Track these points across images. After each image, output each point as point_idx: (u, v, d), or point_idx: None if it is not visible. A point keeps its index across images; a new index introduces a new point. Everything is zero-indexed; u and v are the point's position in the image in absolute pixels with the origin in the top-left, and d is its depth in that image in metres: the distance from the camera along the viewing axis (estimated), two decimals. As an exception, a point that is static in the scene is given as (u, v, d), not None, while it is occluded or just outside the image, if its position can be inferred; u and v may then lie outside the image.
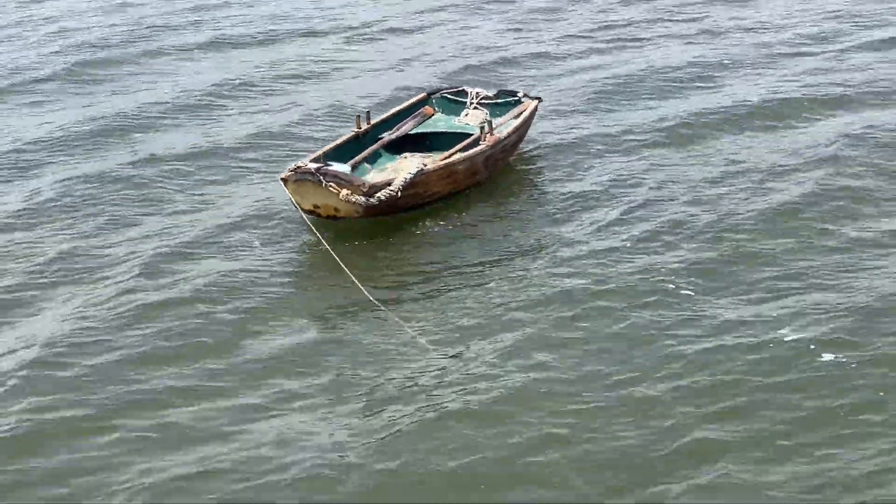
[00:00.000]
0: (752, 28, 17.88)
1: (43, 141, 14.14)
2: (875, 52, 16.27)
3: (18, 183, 12.99)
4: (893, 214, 11.12)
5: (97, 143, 14.10)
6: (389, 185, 11.14)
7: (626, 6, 19.32)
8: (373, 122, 12.89)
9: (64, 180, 12.83)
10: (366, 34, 18.58)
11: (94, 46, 18.24)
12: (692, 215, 11.29)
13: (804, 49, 16.65)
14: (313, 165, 11.12)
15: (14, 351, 9.20)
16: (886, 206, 11.34)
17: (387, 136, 12.80)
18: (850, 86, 14.86)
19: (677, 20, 18.50)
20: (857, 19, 17.95)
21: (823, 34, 17.28)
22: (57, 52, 18.10)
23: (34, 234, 11.52)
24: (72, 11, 20.79)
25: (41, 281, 10.47)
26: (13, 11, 21.05)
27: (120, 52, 17.98)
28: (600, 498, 7.26)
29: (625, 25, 18.26)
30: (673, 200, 11.67)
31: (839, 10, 18.46)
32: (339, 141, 12.44)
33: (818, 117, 13.93)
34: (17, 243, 11.33)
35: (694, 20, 18.40)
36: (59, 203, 12.21)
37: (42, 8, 21.03)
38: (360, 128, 12.68)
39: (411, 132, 13.02)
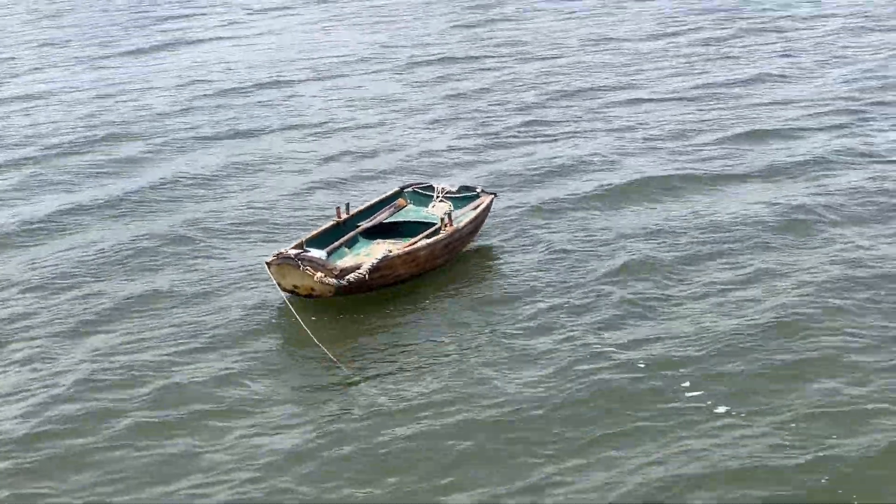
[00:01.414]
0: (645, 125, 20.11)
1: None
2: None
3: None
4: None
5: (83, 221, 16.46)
6: (358, 268, 13.13)
7: (566, 104, 21.70)
8: (352, 212, 14.91)
9: (64, 251, 15.22)
10: (346, 131, 20.87)
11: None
12: (637, 297, 12.90)
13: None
14: (293, 251, 13.12)
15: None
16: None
17: (364, 225, 14.82)
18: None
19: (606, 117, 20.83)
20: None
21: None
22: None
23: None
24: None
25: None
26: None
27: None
28: None
29: (563, 120, 20.62)
30: (613, 283, 13.33)
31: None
32: (320, 229, 14.42)
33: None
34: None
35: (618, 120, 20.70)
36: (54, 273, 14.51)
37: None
38: (340, 217, 14.67)
39: (386, 221, 15.06)
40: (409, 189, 15.71)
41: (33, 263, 14.95)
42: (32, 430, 10.74)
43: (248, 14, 34.58)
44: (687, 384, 10.96)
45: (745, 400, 10.64)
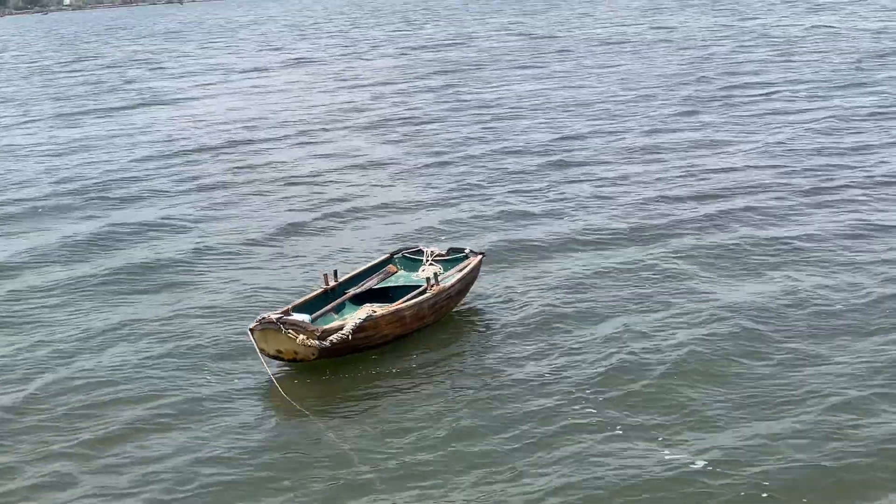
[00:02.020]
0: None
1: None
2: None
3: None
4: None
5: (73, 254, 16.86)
6: (341, 329, 13.07)
7: (558, 174, 21.90)
8: (341, 279, 14.85)
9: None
10: (323, 191, 21.38)
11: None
12: (628, 356, 12.66)
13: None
14: (275, 315, 13.10)
15: None
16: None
17: (352, 291, 14.80)
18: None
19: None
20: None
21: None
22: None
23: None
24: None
25: None
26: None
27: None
28: None
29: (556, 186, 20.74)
30: (606, 344, 13.09)
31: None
32: (308, 296, 14.35)
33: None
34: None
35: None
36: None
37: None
38: (328, 284, 14.62)
39: (375, 287, 15.02)
40: (399, 255, 15.69)
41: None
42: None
43: (228, 75, 35.93)
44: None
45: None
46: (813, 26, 46.11)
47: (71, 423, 11.97)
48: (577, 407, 11.54)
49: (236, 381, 12.88)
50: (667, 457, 10.36)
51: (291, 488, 10.37)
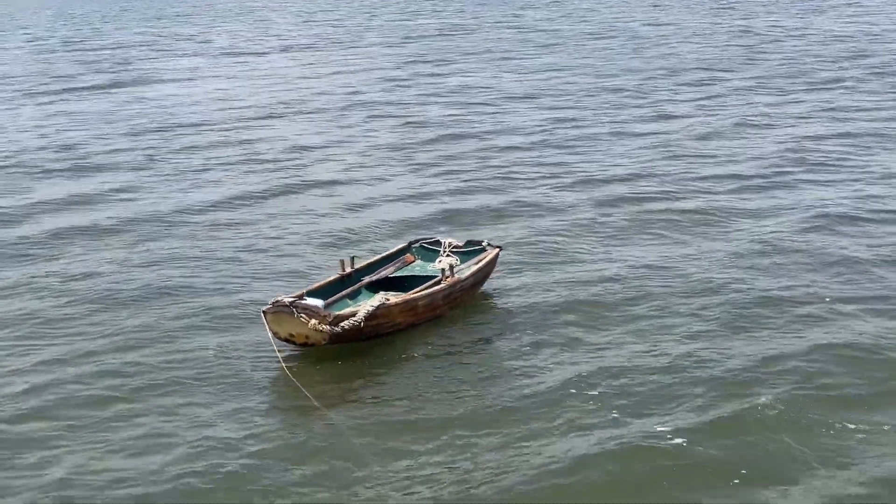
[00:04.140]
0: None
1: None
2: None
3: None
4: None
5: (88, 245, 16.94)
6: (353, 315, 13.11)
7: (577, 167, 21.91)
8: (358, 265, 14.89)
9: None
10: (344, 182, 21.46)
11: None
12: (637, 360, 12.56)
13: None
14: (289, 299, 13.17)
15: None
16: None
17: (368, 279, 14.84)
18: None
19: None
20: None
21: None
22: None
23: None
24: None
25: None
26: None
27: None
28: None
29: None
30: (609, 343, 13.10)
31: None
32: (323, 281, 14.41)
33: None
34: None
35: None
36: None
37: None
38: (345, 270, 14.65)
39: (391, 276, 15.06)
40: (417, 244, 15.72)
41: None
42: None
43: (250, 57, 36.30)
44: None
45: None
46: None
47: (74, 396, 12.09)
48: (588, 403, 11.52)
49: (246, 363, 12.93)
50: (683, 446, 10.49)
51: (293, 472, 10.41)
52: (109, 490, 10.13)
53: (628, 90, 30.56)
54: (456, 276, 14.18)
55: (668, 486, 9.89)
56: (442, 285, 13.94)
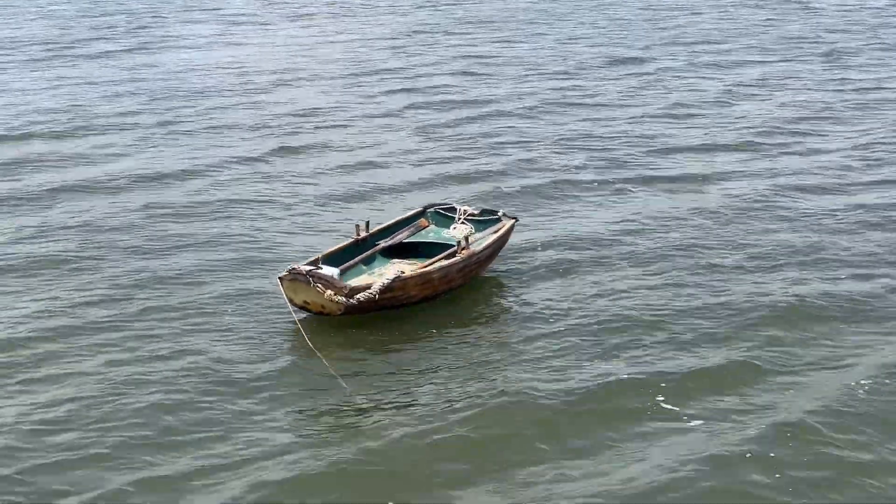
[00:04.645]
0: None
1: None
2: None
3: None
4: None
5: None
6: (369, 288, 13.14)
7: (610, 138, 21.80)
8: (373, 230, 14.90)
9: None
10: (360, 149, 21.31)
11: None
12: (647, 328, 12.88)
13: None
14: (305, 268, 13.15)
15: None
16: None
17: (383, 244, 14.83)
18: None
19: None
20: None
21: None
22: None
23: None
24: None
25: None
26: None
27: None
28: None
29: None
30: (628, 317, 13.22)
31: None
32: (338, 246, 14.42)
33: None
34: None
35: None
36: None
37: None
38: (360, 235, 14.65)
39: (405, 241, 15.04)
40: (432, 209, 15.68)
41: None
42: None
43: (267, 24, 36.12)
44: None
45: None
46: None
47: (84, 362, 12.22)
48: (601, 377, 11.69)
49: (262, 329, 13.04)
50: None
51: (305, 438, 10.68)
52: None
53: (642, 59, 30.13)
54: (472, 248, 14.17)
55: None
56: (457, 258, 13.95)
